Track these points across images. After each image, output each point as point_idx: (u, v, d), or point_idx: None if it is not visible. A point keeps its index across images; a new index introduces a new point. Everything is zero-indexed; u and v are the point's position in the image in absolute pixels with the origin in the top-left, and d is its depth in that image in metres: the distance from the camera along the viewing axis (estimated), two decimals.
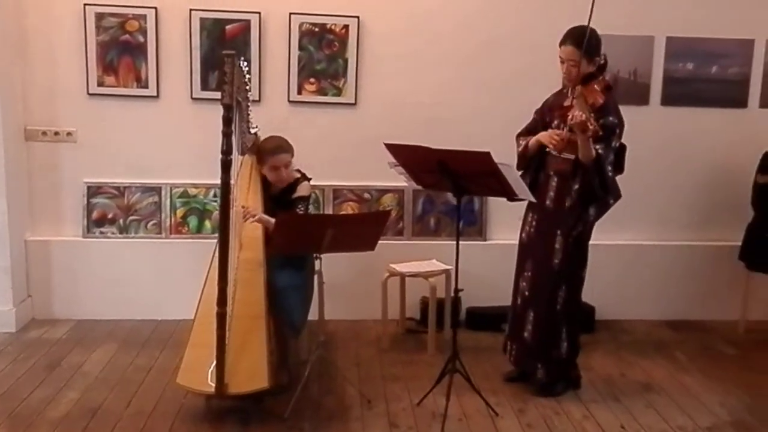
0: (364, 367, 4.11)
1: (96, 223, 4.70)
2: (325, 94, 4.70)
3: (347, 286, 4.64)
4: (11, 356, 4.10)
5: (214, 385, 3.28)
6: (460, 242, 3.57)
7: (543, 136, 3.64)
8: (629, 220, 4.81)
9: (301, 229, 3.49)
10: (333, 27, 4.63)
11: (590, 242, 3.75)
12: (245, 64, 3.52)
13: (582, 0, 3.42)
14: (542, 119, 3.78)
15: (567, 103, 3.58)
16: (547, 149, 3.65)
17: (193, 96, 4.63)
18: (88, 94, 4.58)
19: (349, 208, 4.82)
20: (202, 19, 4.55)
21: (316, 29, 4.62)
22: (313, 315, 3.79)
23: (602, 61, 3.60)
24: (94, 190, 4.68)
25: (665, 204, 4.98)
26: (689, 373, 4.14)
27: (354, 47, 4.64)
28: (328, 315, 3.83)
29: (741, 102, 4.91)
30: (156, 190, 4.72)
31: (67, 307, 4.68)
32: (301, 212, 3.77)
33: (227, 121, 3.19)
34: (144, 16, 4.52)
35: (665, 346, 4.56)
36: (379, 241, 3.58)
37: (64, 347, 4.25)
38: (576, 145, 3.51)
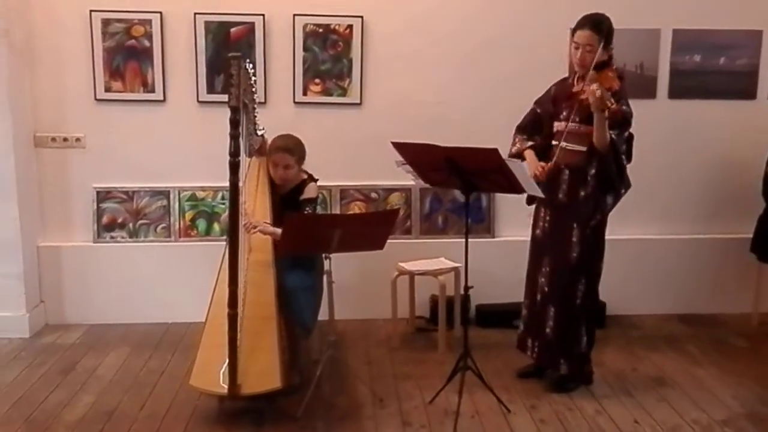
0: (376, 366, 4.12)
1: (106, 228, 4.73)
2: (331, 95, 4.70)
3: (357, 285, 4.65)
4: (26, 362, 4.13)
5: (226, 386, 3.30)
6: (469, 240, 3.57)
7: (530, 162, 3.66)
8: (638, 214, 4.80)
9: (310, 230, 3.50)
10: (337, 27, 4.64)
11: None
12: (251, 66, 3.53)
13: None
14: (547, 112, 3.77)
15: (576, 89, 3.56)
16: (557, 123, 3.65)
17: (200, 99, 4.64)
18: (96, 99, 4.61)
19: (356, 208, 4.83)
20: (206, 23, 4.56)
21: (320, 30, 4.63)
22: (323, 315, 3.80)
23: (612, 51, 3.59)
24: (103, 195, 4.71)
25: (674, 197, 4.97)
26: (702, 367, 4.13)
27: (358, 47, 4.65)
28: (338, 315, 3.84)
29: (750, 93, 4.88)
30: (164, 193, 4.74)
31: (80, 312, 4.71)
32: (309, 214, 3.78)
33: (234, 123, 3.20)
34: (149, 21, 4.54)
35: (677, 340, 4.55)
36: (388, 240, 3.59)
37: (77, 352, 4.28)
38: (585, 137, 3.51)
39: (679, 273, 4.96)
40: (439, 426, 3.41)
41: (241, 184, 3.35)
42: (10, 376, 3.93)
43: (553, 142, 3.68)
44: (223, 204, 4.67)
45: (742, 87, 4.87)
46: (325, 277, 3.72)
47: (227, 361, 3.29)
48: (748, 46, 4.82)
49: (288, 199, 3.85)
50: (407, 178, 3.76)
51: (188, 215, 4.77)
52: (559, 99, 3.71)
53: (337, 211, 4.78)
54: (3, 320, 4.44)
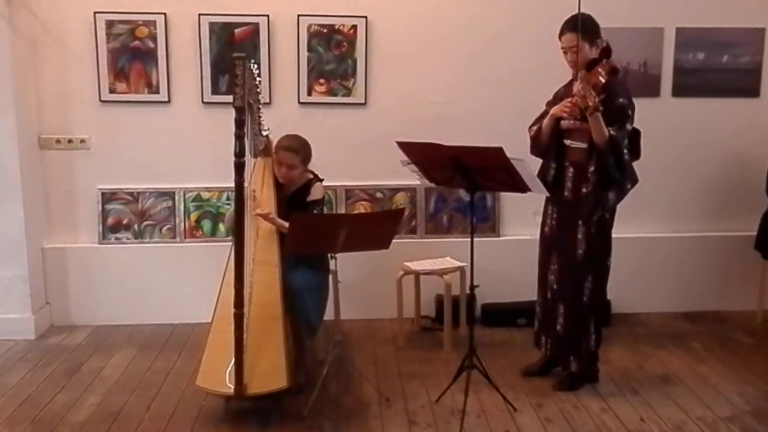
0: (382, 365, 4.12)
1: (111, 229, 4.74)
2: (335, 95, 4.71)
3: (362, 285, 4.65)
4: (32, 363, 4.14)
5: (233, 386, 3.31)
6: (474, 239, 3.57)
7: (555, 110, 3.65)
8: (643, 212, 4.80)
9: (316, 230, 3.50)
10: (341, 28, 4.64)
11: None
12: (255, 66, 3.54)
13: None
14: None
15: (575, 90, 3.58)
16: (563, 120, 3.65)
17: (204, 100, 4.65)
18: (101, 101, 4.62)
19: (361, 208, 4.83)
20: (211, 24, 4.57)
21: (325, 30, 4.64)
22: (329, 315, 3.81)
23: (604, 44, 3.59)
24: (108, 197, 4.72)
25: (679, 195, 4.97)
26: (707, 364, 4.13)
27: (362, 47, 4.65)
28: (344, 314, 3.84)
29: (753, 91, 4.88)
30: (169, 194, 4.75)
31: (85, 313, 4.72)
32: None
33: (239, 124, 3.21)
34: (153, 22, 4.55)
35: (682, 337, 4.54)
36: (393, 240, 3.59)
37: (83, 353, 4.29)
38: (585, 134, 3.52)
39: (684, 271, 4.95)
40: (446, 425, 3.42)
41: (246, 184, 3.36)
42: (16, 377, 3.94)
43: (565, 141, 3.68)
44: (228, 204, 4.67)
45: (746, 85, 4.86)
46: (330, 277, 3.73)
47: (233, 361, 3.30)
48: (752, 43, 4.82)
49: (294, 200, 3.86)
50: (412, 178, 3.77)
51: (193, 216, 4.77)
52: (563, 99, 3.72)
53: (342, 210, 4.79)
54: (9, 322, 4.45)
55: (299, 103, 4.70)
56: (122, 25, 4.55)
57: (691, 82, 4.84)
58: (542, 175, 3.75)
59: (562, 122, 3.69)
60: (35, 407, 3.59)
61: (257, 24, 4.59)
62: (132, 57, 4.59)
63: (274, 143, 3.84)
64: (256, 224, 3.71)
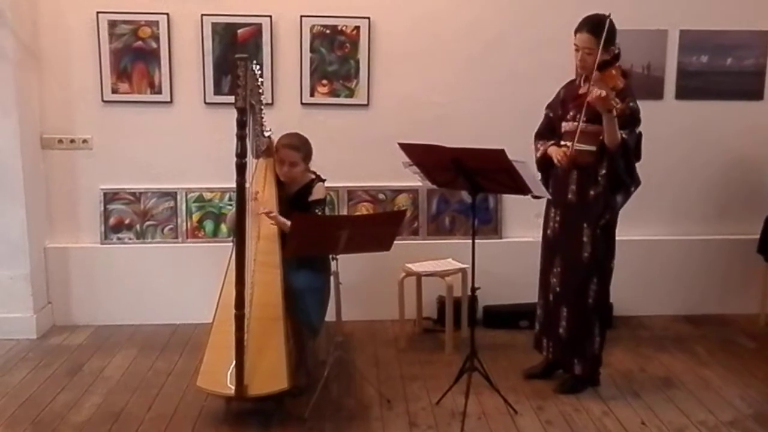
0: (383, 367, 4.12)
1: (113, 229, 4.74)
2: (338, 96, 4.71)
3: (364, 286, 4.65)
4: (33, 363, 4.14)
5: (233, 387, 3.30)
6: (476, 241, 3.57)
7: (552, 152, 3.67)
8: (645, 215, 4.79)
9: (317, 231, 3.50)
10: (344, 28, 4.64)
11: None
12: (257, 67, 3.53)
13: None
14: (555, 113, 3.77)
15: (582, 90, 3.56)
16: (564, 123, 3.66)
17: (207, 101, 4.65)
18: (103, 101, 4.62)
19: (363, 209, 4.83)
20: (213, 24, 4.57)
21: (328, 31, 4.64)
22: (330, 316, 3.80)
23: (617, 51, 3.58)
24: (110, 197, 4.72)
25: (681, 198, 4.96)
26: (709, 367, 4.12)
27: (365, 48, 4.65)
28: (346, 316, 3.84)
29: (757, 94, 4.87)
30: (171, 195, 4.75)
31: (87, 313, 4.72)
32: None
33: (241, 124, 3.20)
34: (156, 23, 4.55)
35: (684, 340, 4.53)
36: (395, 241, 3.59)
37: (84, 353, 4.29)
38: (595, 136, 3.51)
39: (686, 274, 4.94)
40: (446, 427, 3.41)
41: (248, 185, 3.35)
42: (17, 377, 3.94)
43: (562, 143, 3.67)
44: (230, 205, 4.67)
45: (749, 88, 4.85)
46: (332, 278, 3.72)
47: (234, 362, 3.30)
48: (756, 46, 4.81)
49: (296, 200, 3.85)
50: (415, 179, 3.76)
51: (195, 216, 4.77)
52: (567, 100, 3.72)
53: (344, 212, 4.79)
54: (10, 321, 4.45)
55: (302, 104, 4.70)
56: (125, 26, 4.55)
57: (695, 85, 4.82)
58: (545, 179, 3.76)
59: (564, 124, 3.69)
60: (36, 407, 3.59)
61: (260, 24, 4.59)
62: (134, 57, 4.59)
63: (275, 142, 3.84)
64: (258, 225, 3.71)
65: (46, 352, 4.30)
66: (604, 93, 3.29)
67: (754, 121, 4.88)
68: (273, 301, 3.50)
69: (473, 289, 3.61)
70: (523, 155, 3.35)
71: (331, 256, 3.63)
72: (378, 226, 3.62)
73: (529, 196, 3.47)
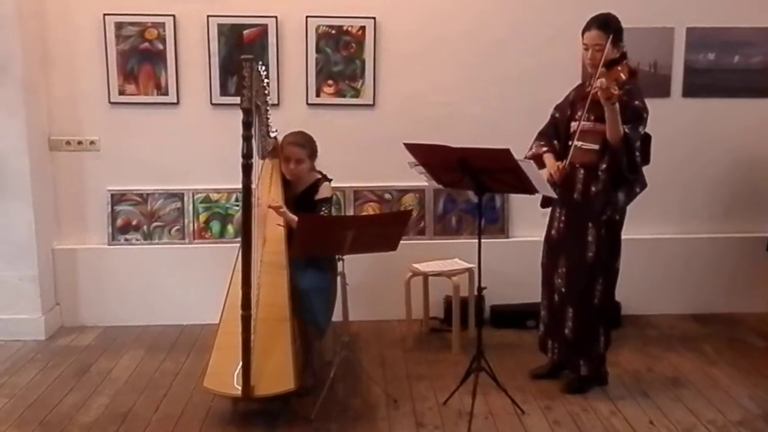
0: (390, 367, 4.12)
1: (120, 230, 4.75)
2: (344, 96, 4.71)
3: (370, 286, 4.65)
4: (41, 364, 4.16)
5: (240, 387, 3.31)
6: (483, 240, 3.56)
7: (548, 164, 3.69)
8: (652, 213, 4.77)
9: (323, 231, 3.50)
10: (350, 29, 4.64)
11: None
12: (263, 68, 3.54)
13: None
14: (564, 116, 3.76)
15: (589, 89, 3.56)
16: (573, 122, 3.66)
17: (213, 102, 4.66)
18: (110, 102, 4.64)
19: (370, 209, 4.83)
20: (219, 25, 4.58)
21: (333, 31, 4.64)
22: (337, 316, 3.81)
23: (624, 49, 3.59)
24: (117, 198, 4.74)
25: (689, 196, 4.94)
26: (717, 366, 4.10)
27: (371, 48, 4.65)
28: (352, 316, 3.84)
29: (764, 91, 4.84)
30: (178, 196, 4.76)
31: (95, 314, 4.74)
32: (325, 214, 3.79)
33: (247, 125, 3.21)
34: (163, 24, 4.56)
35: (692, 339, 4.52)
36: (401, 241, 3.59)
37: (92, 354, 4.30)
38: (598, 136, 3.50)
39: (694, 272, 4.93)
40: (453, 427, 3.41)
41: (254, 186, 3.36)
42: (25, 378, 3.96)
43: (569, 143, 3.67)
44: (237, 206, 4.68)
45: (757, 85, 4.83)
46: (338, 279, 3.72)
47: (241, 362, 3.30)
48: (763, 43, 4.78)
49: (302, 200, 3.86)
50: (421, 179, 3.76)
51: (202, 217, 4.78)
52: (575, 101, 3.72)
53: (351, 212, 4.79)
54: (19, 322, 4.47)
55: (308, 104, 4.70)
56: (131, 27, 4.56)
57: (702, 83, 4.80)
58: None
59: (573, 124, 3.68)
60: (44, 408, 3.60)
61: (266, 25, 4.59)
62: (141, 59, 4.60)
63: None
64: (264, 226, 3.71)
65: (54, 353, 4.32)
66: (604, 81, 3.31)
67: (762, 118, 4.85)
68: (279, 302, 3.51)
69: (480, 289, 3.61)
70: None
71: (337, 257, 3.63)
72: (384, 226, 3.62)
73: (539, 206, 3.47)
